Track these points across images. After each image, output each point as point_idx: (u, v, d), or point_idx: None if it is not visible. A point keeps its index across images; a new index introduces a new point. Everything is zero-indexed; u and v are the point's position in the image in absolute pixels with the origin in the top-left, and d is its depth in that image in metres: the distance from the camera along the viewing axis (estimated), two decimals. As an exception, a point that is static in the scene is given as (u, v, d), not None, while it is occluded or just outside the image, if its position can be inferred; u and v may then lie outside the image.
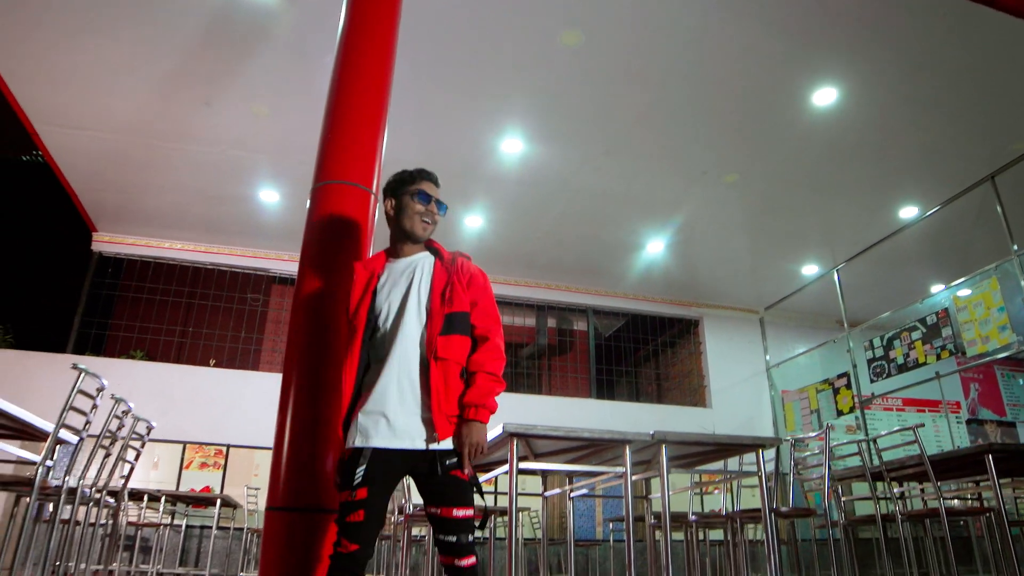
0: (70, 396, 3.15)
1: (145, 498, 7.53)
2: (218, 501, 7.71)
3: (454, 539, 1.93)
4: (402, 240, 2.22)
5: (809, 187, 8.27)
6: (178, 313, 9.92)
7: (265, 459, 8.48)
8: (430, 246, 2.26)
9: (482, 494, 2.02)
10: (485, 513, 2.00)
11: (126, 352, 9.48)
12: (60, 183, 8.63)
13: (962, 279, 7.73)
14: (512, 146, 7.55)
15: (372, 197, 2.96)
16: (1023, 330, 7.09)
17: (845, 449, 4.73)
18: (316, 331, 2.67)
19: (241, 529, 8.27)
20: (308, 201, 2.95)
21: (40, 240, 11.63)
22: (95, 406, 3.41)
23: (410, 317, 2.05)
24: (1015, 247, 7.06)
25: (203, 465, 8.92)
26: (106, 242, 9.82)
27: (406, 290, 2.10)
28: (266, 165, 8.09)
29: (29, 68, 6.55)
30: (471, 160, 7.83)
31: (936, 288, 9.32)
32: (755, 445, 3.66)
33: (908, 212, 8.73)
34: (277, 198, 8.74)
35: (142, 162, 8.07)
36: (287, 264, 10.02)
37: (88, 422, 3.38)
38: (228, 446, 8.93)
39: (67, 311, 9.54)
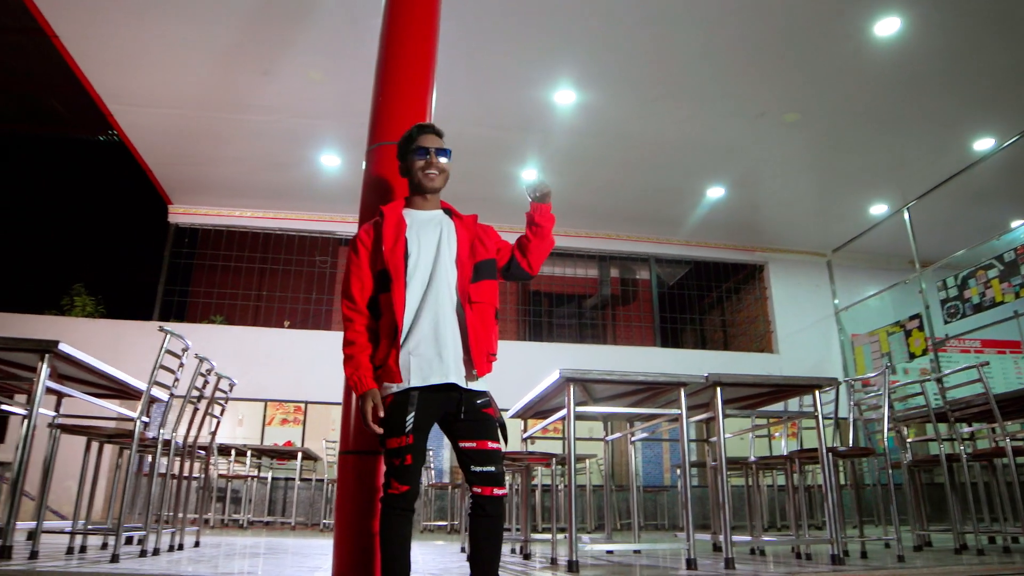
0: (159, 356, 3.43)
1: (233, 453, 8.07)
2: (299, 454, 8.18)
3: (493, 469, 2.08)
4: (418, 195, 2.40)
5: (875, 123, 7.96)
6: (252, 278, 10.38)
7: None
8: (445, 208, 2.42)
9: (506, 436, 2.19)
10: (502, 427, 2.16)
11: (206, 317, 10.04)
12: (135, 160, 9.09)
13: (1043, 212, 7.35)
14: (565, 97, 7.52)
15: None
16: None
17: (912, 390, 4.66)
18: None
19: (322, 480, 8.75)
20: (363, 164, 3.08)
21: (121, 216, 12.28)
22: (182, 365, 3.69)
23: (443, 264, 2.24)
24: (1100, 175, 6.67)
25: (284, 421, 9.43)
26: (181, 214, 10.32)
27: (437, 240, 2.28)
28: (325, 130, 8.31)
29: (100, 50, 6.88)
30: (525, 114, 7.84)
31: (1016, 223, 8.89)
32: (811, 385, 3.68)
33: (983, 144, 8.32)
34: (338, 162, 8.98)
35: (209, 135, 8.42)
36: (352, 226, 10.30)
37: (176, 379, 3.67)
38: (306, 403, 9.40)
39: (150, 281, 10.13)
